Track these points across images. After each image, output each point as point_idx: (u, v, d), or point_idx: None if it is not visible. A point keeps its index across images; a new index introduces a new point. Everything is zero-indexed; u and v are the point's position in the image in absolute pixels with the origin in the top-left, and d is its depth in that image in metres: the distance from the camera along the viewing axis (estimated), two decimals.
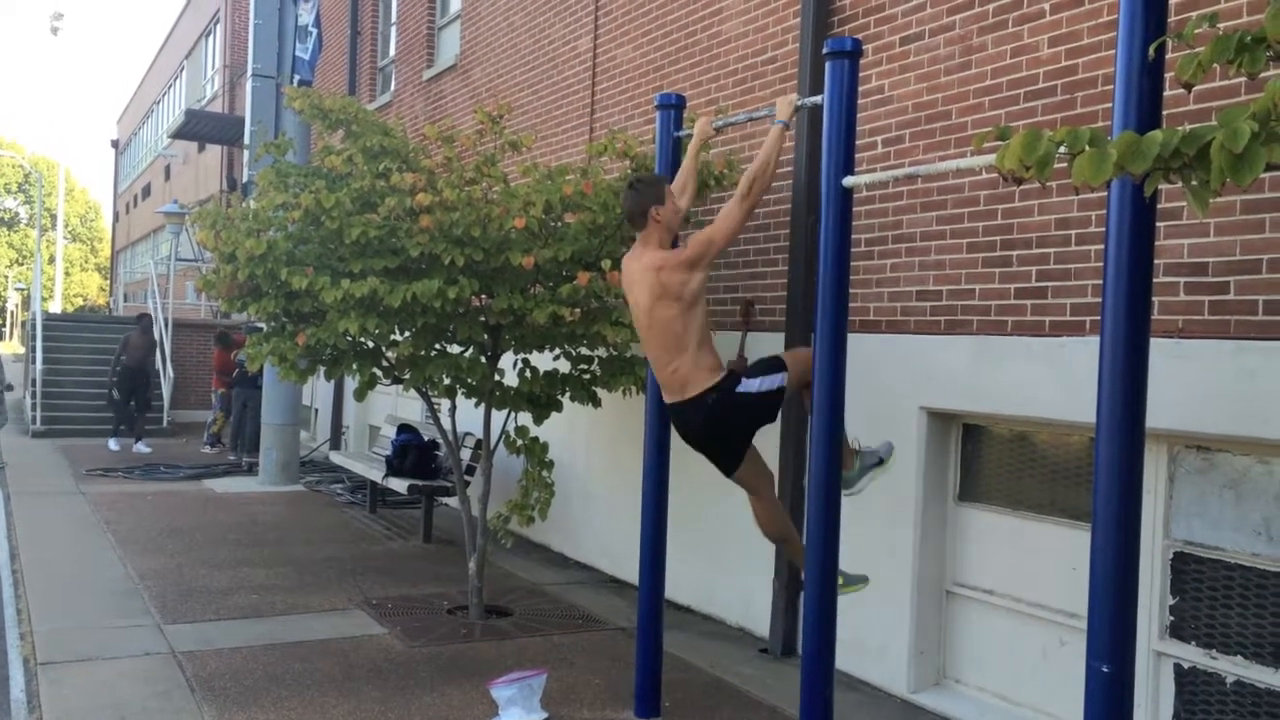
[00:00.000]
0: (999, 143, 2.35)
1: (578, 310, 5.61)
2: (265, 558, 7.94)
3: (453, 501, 9.63)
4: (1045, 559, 4.81)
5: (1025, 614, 4.88)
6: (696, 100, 7.05)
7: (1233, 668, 4.08)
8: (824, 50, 3.82)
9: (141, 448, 14.51)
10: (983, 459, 5.22)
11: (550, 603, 6.92)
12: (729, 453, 4.34)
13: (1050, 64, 4.71)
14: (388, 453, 9.25)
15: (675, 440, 7.24)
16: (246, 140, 12.19)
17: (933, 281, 5.24)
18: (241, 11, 23.79)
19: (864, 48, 5.77)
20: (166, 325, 17.74)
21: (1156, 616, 4.31)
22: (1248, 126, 1.57)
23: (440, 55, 12.13)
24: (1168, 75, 3.28)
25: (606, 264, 5.55)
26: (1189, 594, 4.26)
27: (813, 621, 3.80)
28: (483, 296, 5.91)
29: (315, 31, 11.85)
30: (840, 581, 4.42)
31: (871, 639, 5.41)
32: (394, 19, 13.75)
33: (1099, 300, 4.45)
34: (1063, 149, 1.96)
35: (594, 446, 8.00)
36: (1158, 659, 4.32)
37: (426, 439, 9.14)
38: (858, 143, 5.73)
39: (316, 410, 15.72)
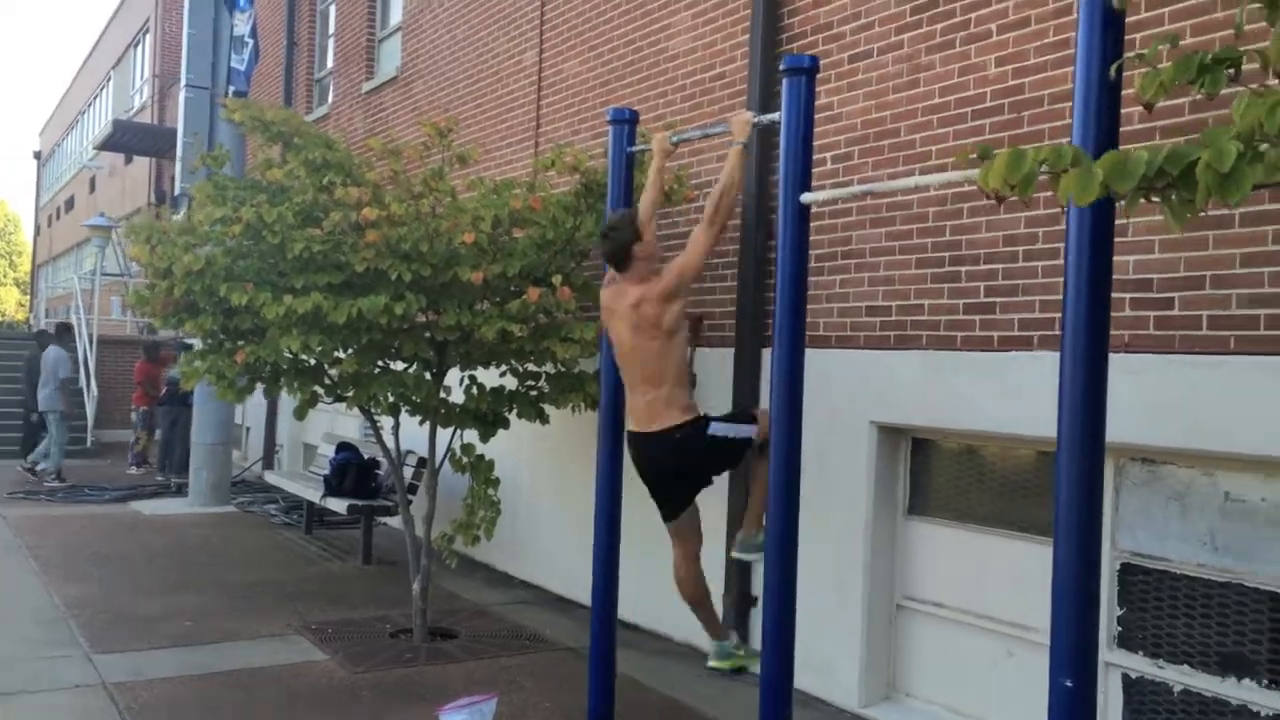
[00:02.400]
0: (969, 159, 2.34)
1: (527, 326, 5.54)
2: (198, 582, 7.72)
3: (392, 521, 9.46)
4: (993, 571, 4.84)
5: (974, 626, 4.91)
6: (645, 116, 7.01)
7: (1180, 677, 4.13)
8: (781, 67, 3.82)
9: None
10: (932, 473, 5.26)
11: (496, 623, 6.82)
12: (680, 494, 4.39)
13: (997, 83, 4.77)
14: (325, 472, 9.07)
15: (624, 457, 7.19)
16: (179, 152, 11.92)
17: (882, 297, 5.27)
18: (173, 21, 23.32)
19: None
20: (91, 342, 17.27)
21: (1105, 627, 4.36)
22: (1233, 146, 1.58)
23: (380, 67, 11.99)
24: (1125, 92, 3.31)
25: (557, 279, 5.50)
26: (1135, 604, 4.31)
27: (771, 644, 3.78)
28: (429, 312, 5.81)
29: (251, 42, 11.64)
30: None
31: (822, 655, 5.39)
32: (332, 30, 13.57)
33: (1047, 315, 4.52)
34: (1044, 167, 1.95)
35: (539, 463, 7.92)
36: (1106, 669, 4.36)
37: (366, 457, 8.98)
38: None
39: (248, 429, 15.39)
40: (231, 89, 11.64)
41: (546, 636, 6.53)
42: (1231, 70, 2.28)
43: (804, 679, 5.47)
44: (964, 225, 4.88)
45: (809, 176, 3.77)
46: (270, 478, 10.84)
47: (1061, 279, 4.50)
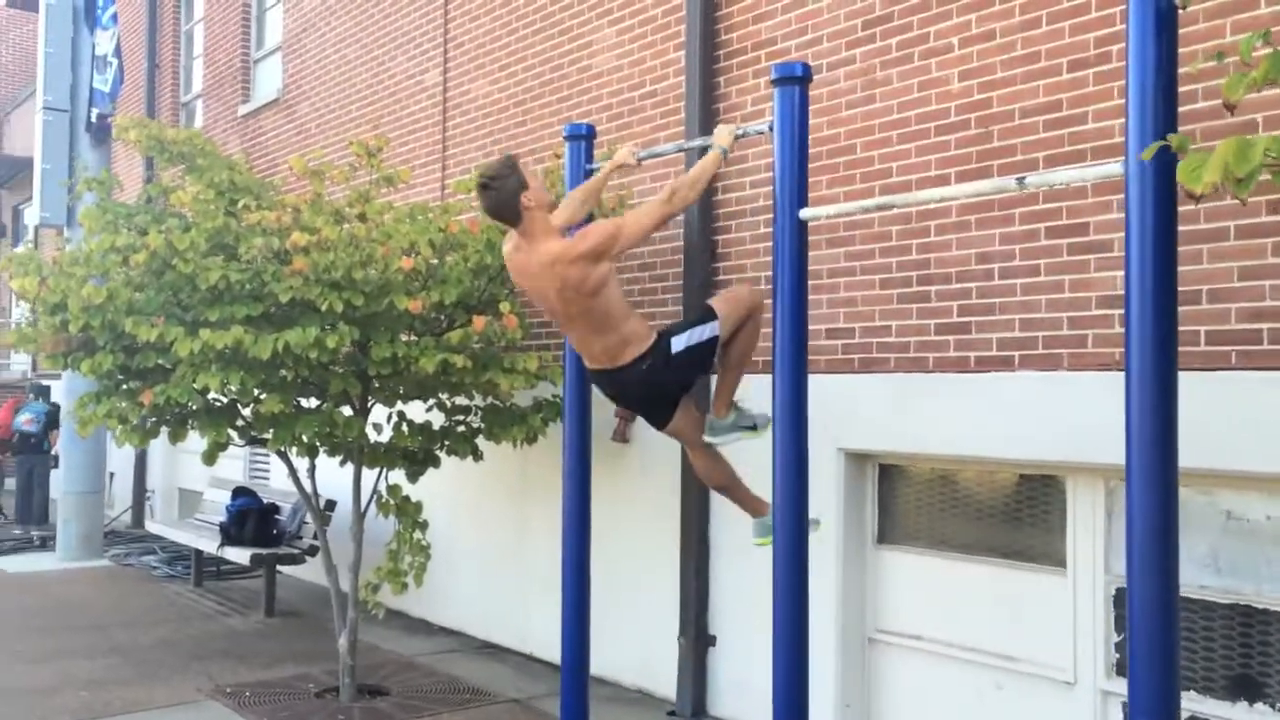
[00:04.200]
0: (1163, 148, 2.12)
1: (467, 357, 5.16)
2: (86, 646, 7.00)
3: (290, 570, 8.83)
4: (975, 600, 4.69)
5: (956, 658, 4.74)
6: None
7: (1187, 703, 4.03)
8: (772, 77, 3.61)
9: None
10: (902, 499, 5.09)
11: (427, 676, 6.36)
12: (663, 408, 4.10)
13: (962, 98, 4.66)
14: (221, 519, 8.41)
15: (548, 485, 6.86)
16: (37, 180, 11.03)
17: (843, 319, 5.10)
18: (8, 42, 21.99)
19: (756, 82, 5.64)
20: None
21: (1102, 655, 4.25)
22: None
23: (258, 89, 11.37)
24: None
25: (505, 306, 5.14)
26: None
27: (782, 690, 3.52)
28: (357, 345, 5.37)
29: (116, 61, 10.88)
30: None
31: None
32: (199, 51, 12.84)
33: (1028, 334, 4.40)
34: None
35: (459, 501, 7.49)
36: (1104, 698, 4.25)
37: (266, 502, 8.37)
38: (754, 178, 5.59)
39: (113, 474, 14.33)
40: (95, 111, 10.85)
41: (485, 688, 6.12)
42: None
43: None
44: (931, 243, 4.74)
45: (805, 191, 3.56)
46: (153, 527, 10.06)
47: (1043, 297, 4.42)
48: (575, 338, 3.96)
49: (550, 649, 6.73)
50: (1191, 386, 3.86)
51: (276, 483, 9.84)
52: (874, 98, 5.02)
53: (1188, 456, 3.87)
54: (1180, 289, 3.94)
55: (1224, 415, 3.78)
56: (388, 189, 5.69)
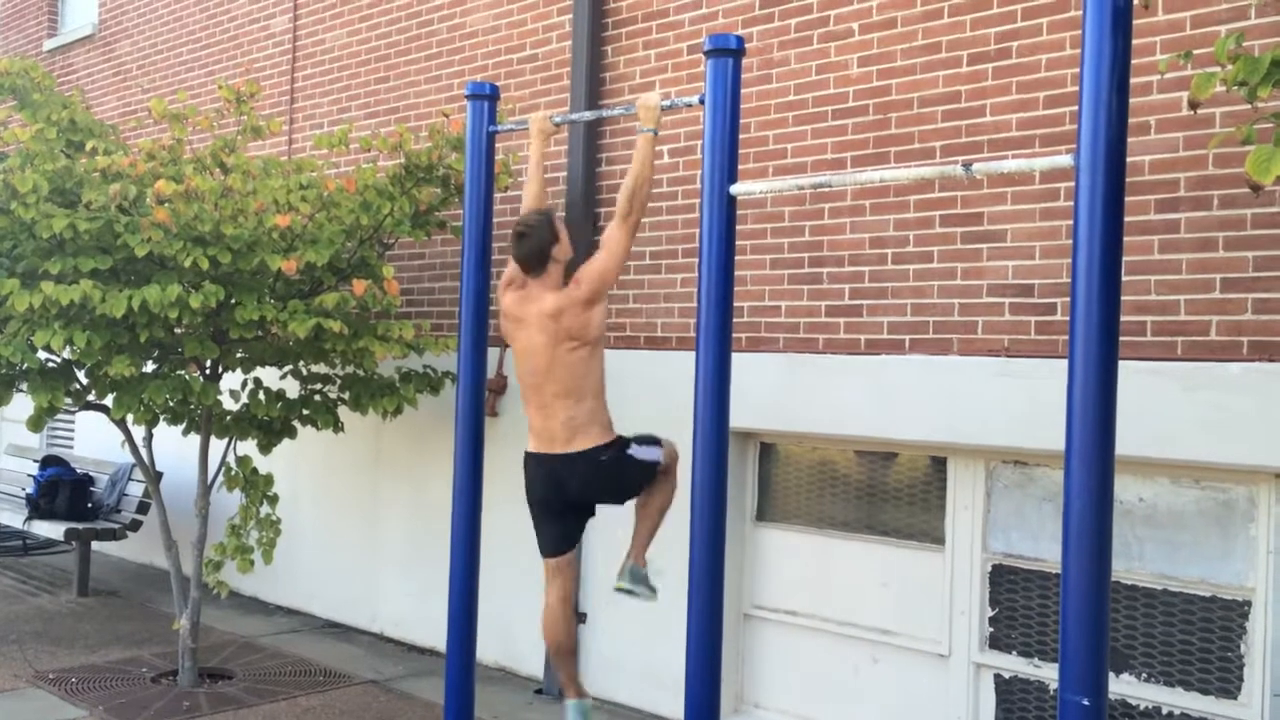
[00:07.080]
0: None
1: (344, 324, 4.87)
2: None
3: (103, 546, 8.19)
4: (854, 576, 4.80)
5: (834, 633, 4.84)
6: (436, 96, 6.48)
7: (1052, 672, 4.25)
8: (705, 48, 3.52)
9: None
10: (783, 478, 5.15)
11: (273, 658, 6.02)
12: (582, 521, 3.98)
13: (861, 83, 4.72)
14: (26, 490, 7.71)
15: (405, 460, 6.64)
16: None
17: (734, 298, 5.08)
18: None
19: (647, 54, 5.55)
20: None
21: (977, 629, 4.42)
22: None
23: (67, 22, 10.43)
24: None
25: (388, 271, 4.88)
26: (1006, 604, 4.40)
27: (696, 674, 3.48)
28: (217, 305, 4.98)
29: None
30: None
31: (667, 672, 5.15)
32: None
33: (920, 319, 4.52)
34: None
35: (300, 476, 7.11)
36: (977, 670, 4.42)
37: (79, 472, 7.73)
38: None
39: None
40: None
41: (339, 669, 5.84)
42: None
43: (648, 698, 5.26)
44: (825, 226, 4.79)
45: (736, 166, 3.50)
46: None
47: (935, 283, 4.54)
48: (546, 400, 3.82)
49: (402, 628, 6.51)
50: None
51: (82, 450, 9.11)
52: (770, 78, 5.02)
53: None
54: (1066, 280, 4.12)
55: None
56: (255, 139, 5.29)
